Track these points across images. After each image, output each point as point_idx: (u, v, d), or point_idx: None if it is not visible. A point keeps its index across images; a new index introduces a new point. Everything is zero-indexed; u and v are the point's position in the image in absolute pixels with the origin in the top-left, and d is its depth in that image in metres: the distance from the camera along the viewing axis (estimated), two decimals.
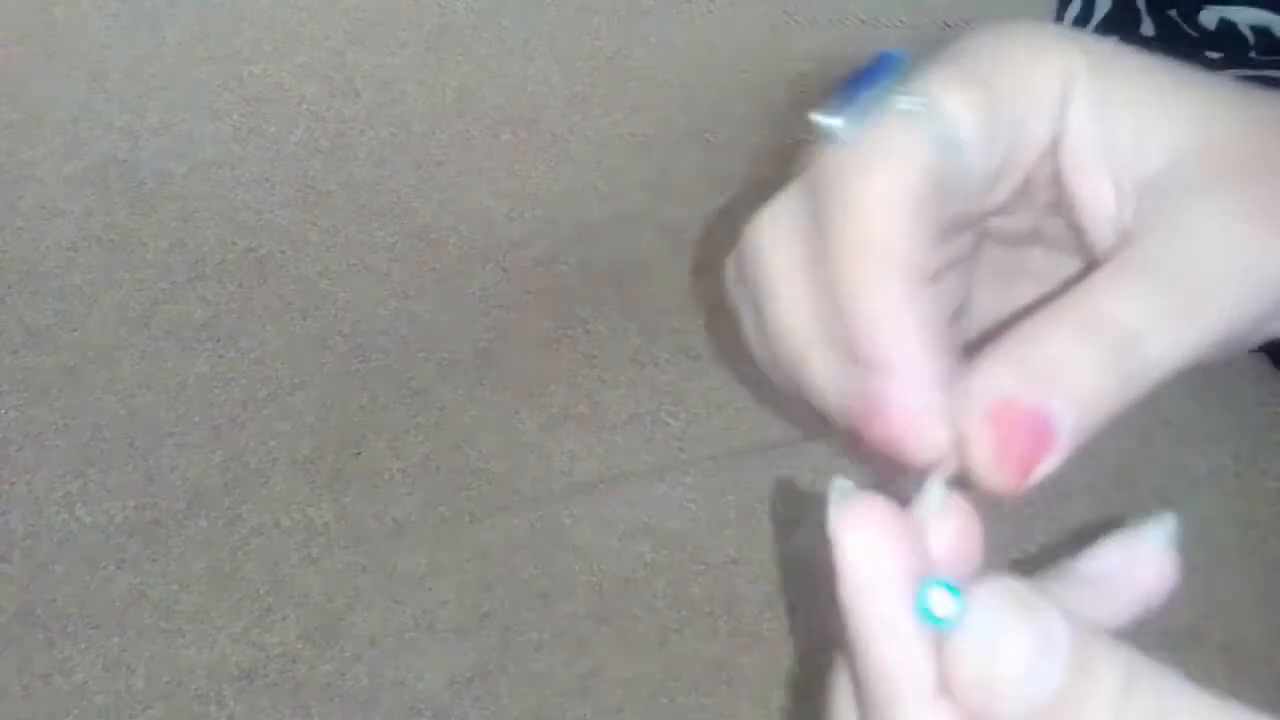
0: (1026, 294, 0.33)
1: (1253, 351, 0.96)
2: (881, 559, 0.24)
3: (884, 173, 0.27)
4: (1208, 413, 0.92)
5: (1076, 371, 0.25)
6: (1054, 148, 0.30)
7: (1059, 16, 0.95)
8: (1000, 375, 0.25)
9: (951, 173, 0.28)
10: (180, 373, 0.92)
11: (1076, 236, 0.31)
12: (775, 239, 0.30)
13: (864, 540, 0.24)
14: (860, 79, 0.29)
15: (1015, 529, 0.82)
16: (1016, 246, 0.33)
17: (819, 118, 0.29)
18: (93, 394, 0.91)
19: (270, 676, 0.78)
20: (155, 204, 1.03)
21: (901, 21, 1.15)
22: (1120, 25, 0.92)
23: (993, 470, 0.26)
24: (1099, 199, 0.30)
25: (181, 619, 0.81)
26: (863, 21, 1.16)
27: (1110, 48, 0.30)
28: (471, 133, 1.09)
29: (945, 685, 0.24)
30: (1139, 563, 0.30)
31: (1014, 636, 0.23)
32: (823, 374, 0.29)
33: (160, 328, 0.95)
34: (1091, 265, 0.29)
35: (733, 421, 0.91)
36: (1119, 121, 0.29)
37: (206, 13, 1.18)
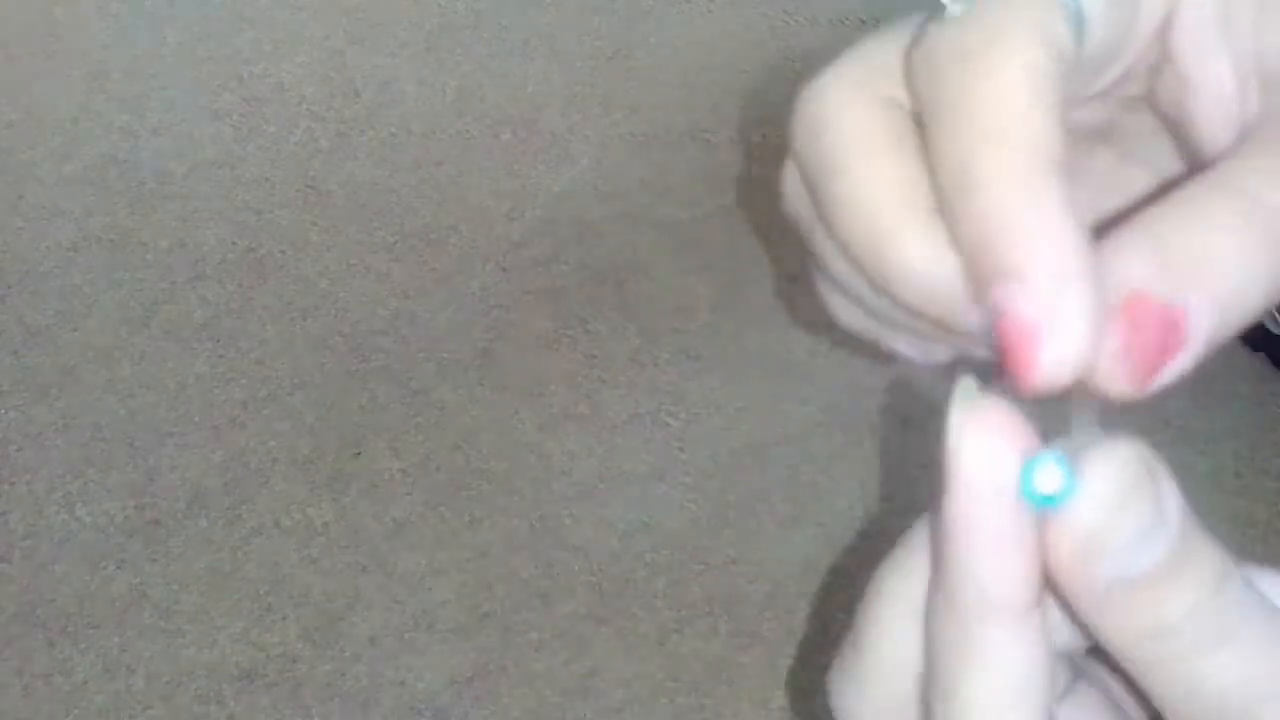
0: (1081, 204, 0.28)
1: (1253, 351, 0.97)
2: (996, 464, 0.22)
3: (1020, 50, 0.23)
4: (1208, 412, 0.93)
5: (1221, 263, 0.23)
6: (1167, 24, 0.26)
7: None
8: (1133, 265, 0.23)
9: (1075, 50, 0.24)
10: (180, 373, 0.92)
11: (1181, 133, 0.27)
12: (850, 103, 0.26)
13: (980, 445, 0.23)
14: None
15: None
16: (1079, 144, 0.29)
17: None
18: (93, 394, 0.91)
19: (270, 676, 0.78)
20: (155, 204, 1.03)
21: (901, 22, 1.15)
22: None
23: (1119, 371, 0.23)
24: (1219, 86, 0.26)
25: (181, 619, 0.81)
26: (863, 21, 1.16)
27: None
28: (471, 133, 1.09)
29: (1043, 572, 0.23)
30: None
31: (1132, 502, 0.22)
32: (921, 257, 0.24)
33: (160, 328, 0.95)
34: (1196, 168, 0.25)
35: (733, 421, 0.91)
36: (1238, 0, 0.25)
37: (207, 13, 1.18)
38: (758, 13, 1.19)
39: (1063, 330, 0.22)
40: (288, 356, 0.93)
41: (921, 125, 0.25)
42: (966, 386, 0.23)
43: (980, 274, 0.23)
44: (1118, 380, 0.23)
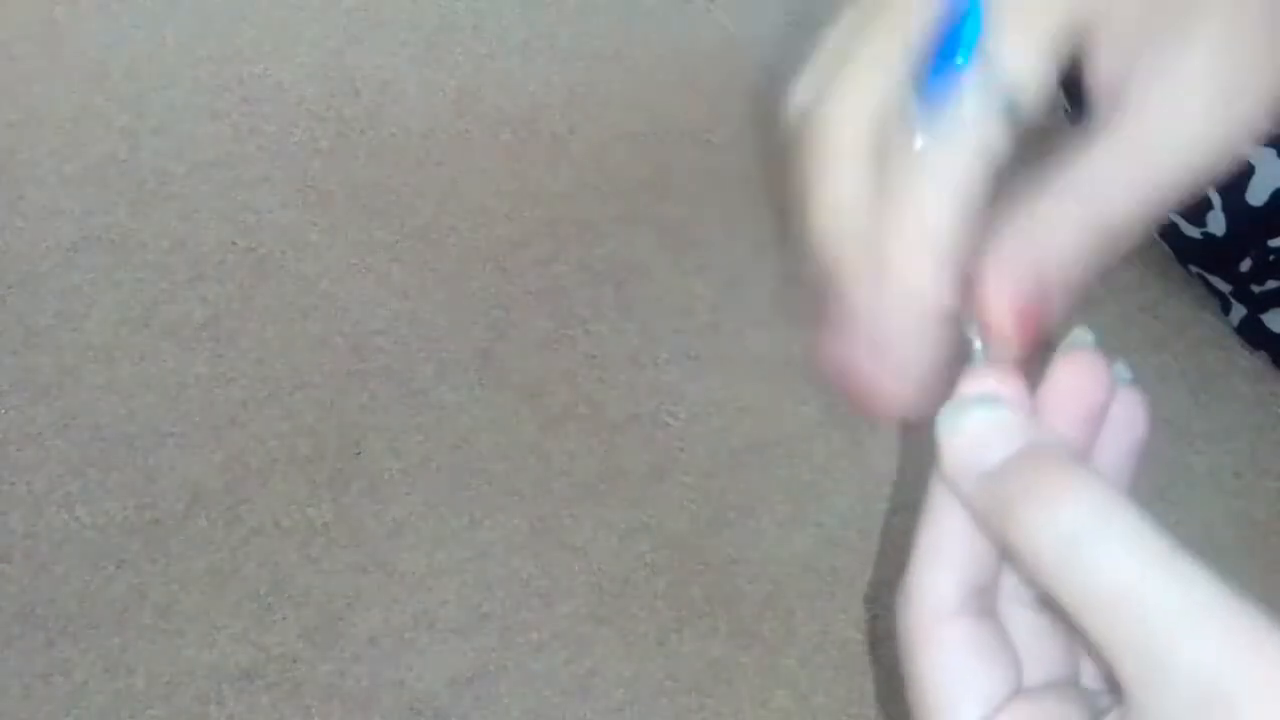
0: None
1: (1253, 351, 0.97)
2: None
3: (950, 171, 0.31)
4: (1207, 412, 0.93)
5: (1073, 263, 0.32)
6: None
7: None
8: (1017, 281, 0.32)
9: (1010, 129, 0.32)
10: (180, 373, 0.92)
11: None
12: (847, 120, 0.34)
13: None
14: (945, 45, 0.32)
15: None
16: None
17: (916, 111, 0.32)
18: (92, 394, 0.91)
19: (270, 676, 0.78)
20: (155, 204, 1.03)
21: None
22: None
23: (1011, 341, 0.32)
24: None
25: (181, 619, 0.81)
26: None
27: None
28: (471, 132, 1.09)
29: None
30: (1071, 374, 0.34)
31: (968, 410, 0.30)
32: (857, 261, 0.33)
33: (160, 328, 0.95)
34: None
35: (733, 421, 0.91)
36: (1130, 21, 0.32)
37: (206, 13, 1.18)
38: (757, 13, 1.18)
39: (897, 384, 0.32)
40: (287, 356, 0.93)
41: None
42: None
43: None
44: (1011, 348, 0.32)
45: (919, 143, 0.31)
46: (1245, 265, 0.94)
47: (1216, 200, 0.93)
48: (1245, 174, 0.91)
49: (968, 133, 0.31)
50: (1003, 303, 0.32)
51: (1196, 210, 0.94)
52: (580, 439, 0.89)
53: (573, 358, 0.93)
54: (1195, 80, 0.32)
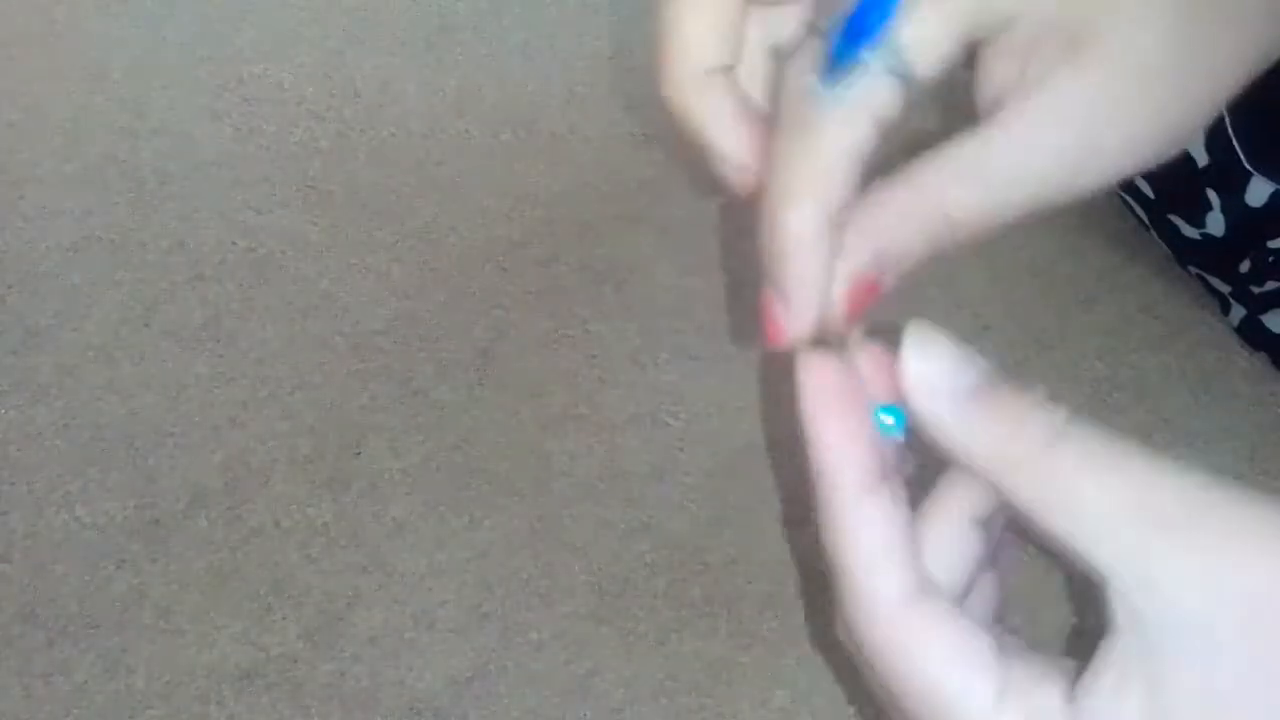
0: None
1: (1252, 352, 0.97)
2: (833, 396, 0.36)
3: (839, 134, 0.33)
4: (1208, 413, 0.93)
5: (906, 249, 0.34)
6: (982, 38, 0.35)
7: None
8: (854, 259, 0.34)
9: (903, 96, 0.34)
10: (180, 373, 0.92)
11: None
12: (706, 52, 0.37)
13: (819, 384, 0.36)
14: (855, 23, 0.33)
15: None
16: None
17: (812, 81, 0.34)
18: (92, 394, 0.91)
19: (270, 677, 0.78)
20: (155, 204, 1.03)
21: None
22: None
23: (838, 322, 0.35)
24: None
25: (181, 619, 0.81)
26: None
27: None
28: (471, 132, 1.09)
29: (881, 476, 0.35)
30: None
31: (937, 343, 0.33)
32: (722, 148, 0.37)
33: (160, 328, 0.95)
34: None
35: (733, 421, 0.91)
36: (1033, 30, 0.34)
37: (206, 13, 1.18)
38: None
39: (785, 320, 0.35)
40: (287, 356, 0.93)
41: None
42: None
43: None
44: (840, 325, 0.35)
45: (819, 91, 0.33)
46: (1245, 266, 0.94)
47: (1216, 201, 0.93)
48: (1244, 176, 0.91)
49: (866, 93, 0.33)
50: (840, 281, 0.34)
51: (1196, 211, 0.94)
52: (580, 439, 0.89)
53: (573, 358, 0.93)
54: (1071, 107, 0.33)
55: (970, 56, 0.35)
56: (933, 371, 0.32)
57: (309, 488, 0.86)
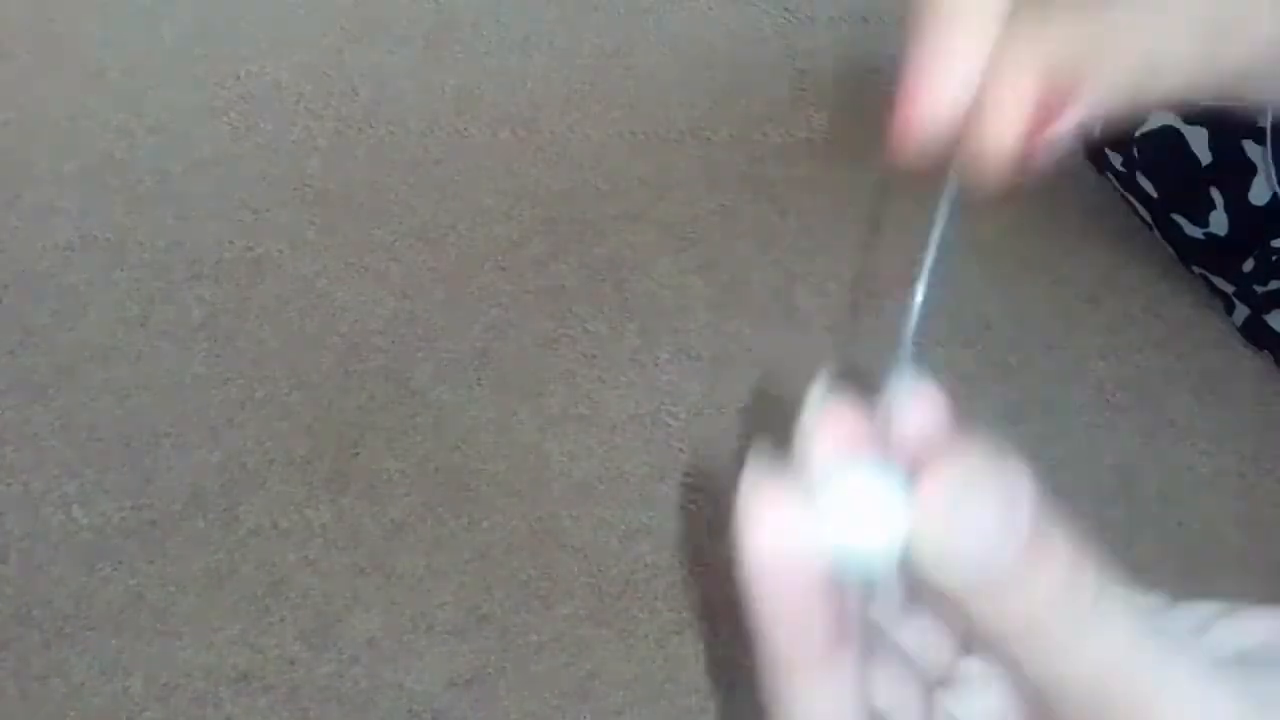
0: None
1: (1256, 351, 0.96)
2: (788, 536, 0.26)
3: None
4: (1211, 413, 0.92)
5: (1108, 73, 0.28)
6: None
7: None
8: (1024, 61, 0.28)
9: None
10: (177, 373, 0.92)
11: None
12: None
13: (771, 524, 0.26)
14: None
15: None
16: None
17: None
18: (89, 394, 0.90)
19: (267, 678, 0.78)
20: (152, 203, 1.02)
21: (902, 20, 1.15)
22: None
23: (1007, 158, 0.28)
24: None
25: (178, 621, 0.80)
26: (864, 19, 1.16)
27: None
28: (470, 131, 1.08)
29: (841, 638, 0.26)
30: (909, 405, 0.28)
31: (972, 512, 0.24)
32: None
33: (157, 327, 0.94)
34: None
35: (733, 422, 0.90)
36: None
37: (204, 12, 1.17)
38: (758, 11, 1.18)
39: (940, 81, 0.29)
40: (285, 356, 0.93)
41: None
42: (820, 386, 0.26)
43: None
44: (1000, 155, 0.28)
45: None
46: (1248, 265, 0.94)
47: (1219, 200, 0.92)
48: (1248, 174, 0.91)
49: None
50: (1015, 99, 0.28)
51: (1199, 209, 0.94)
52: (580, 439, 0.89)
53: (573, 358, 0.93)
54: None
55: None
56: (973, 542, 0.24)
57: (307, 488, 0.86)
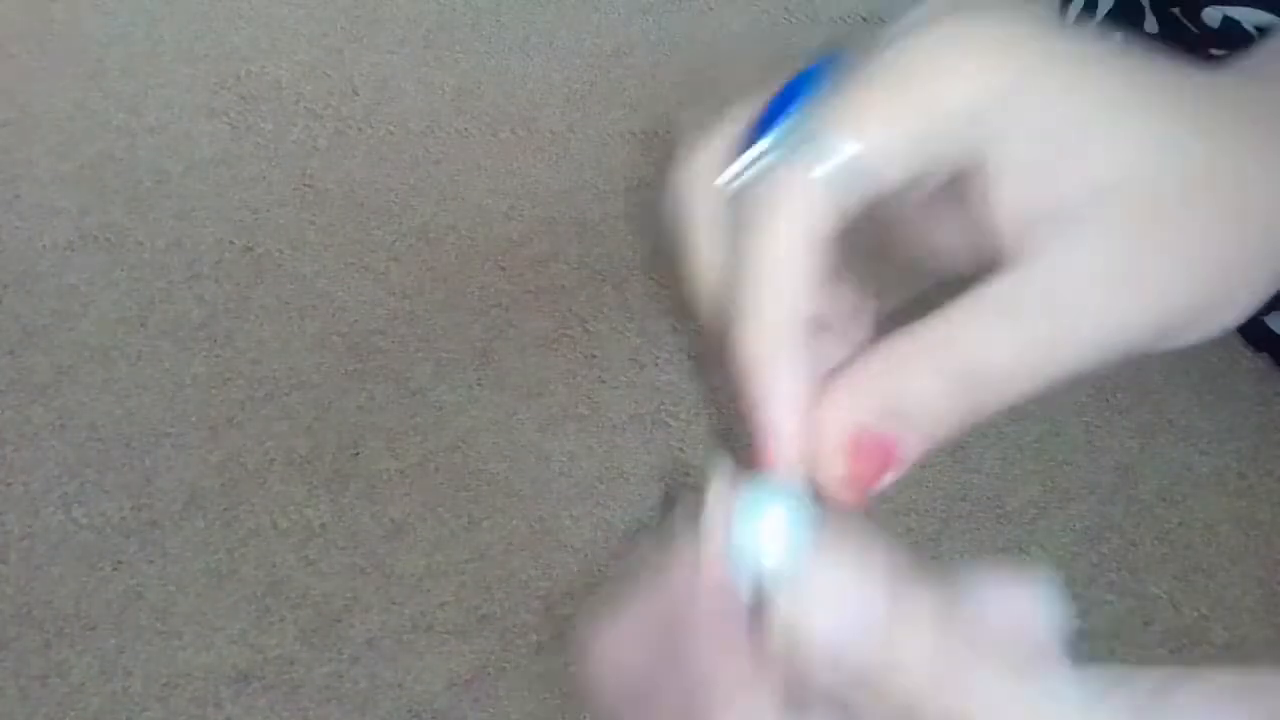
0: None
1: (1256, 352, 0.96)
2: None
3: (775, 235, 0.29)
4: (1211, 412, 0.92)
5: (928, 405, 0.28)
6: (968, 163, 0.29)
7: (1062, 8, 0.94)
8: (856, 407, 0.28)
9: (857, 190, 0.29)
10: (177, 373, 0.92)
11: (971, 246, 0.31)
12: (699, 193, 0.34)
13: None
14: (773, 113, 0.31)
15: (1018, 531, 0.81)
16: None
17: (721, 182, 0.31)
18: (89, 394, 0.90)
19: (267, 678, 0.78)
20: (152, 203, 1.02)
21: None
22: (1124, 20, 0.91)
23: (840, 489, 0.29)
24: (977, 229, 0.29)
25: (178, 620, 0.80)
26: (864, 19, 1.16)
27: (1060, 49, 0.28)
28: (470, 131, 1.08)
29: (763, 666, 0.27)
30: (1013, 601, 0.28)
31: (834, 594, 0.26)
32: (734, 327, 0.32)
33: (157, 327, 0.94)
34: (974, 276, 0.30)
35: (733, 422, 0.90)
36: (1034, 150, 0.28)
37: (204, 10, 1.17)
38: (758, 11, 1.18)
39: (768, 439, 0.30)
40: (285, 356, 0.93)
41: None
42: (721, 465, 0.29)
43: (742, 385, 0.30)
44: (841, 496, 0.29)
45: (724, 181, 0.31)
46: None
47: None
48: None
49: (790, 194, 0.29)
50: (838, 433, 0.28)
51: None
52: (580, 439, 0.89)
53: (573, 358, 0.93)
54: (1104, 255, 0.27)
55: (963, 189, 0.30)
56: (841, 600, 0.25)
57: (306, 488, 0.86)
